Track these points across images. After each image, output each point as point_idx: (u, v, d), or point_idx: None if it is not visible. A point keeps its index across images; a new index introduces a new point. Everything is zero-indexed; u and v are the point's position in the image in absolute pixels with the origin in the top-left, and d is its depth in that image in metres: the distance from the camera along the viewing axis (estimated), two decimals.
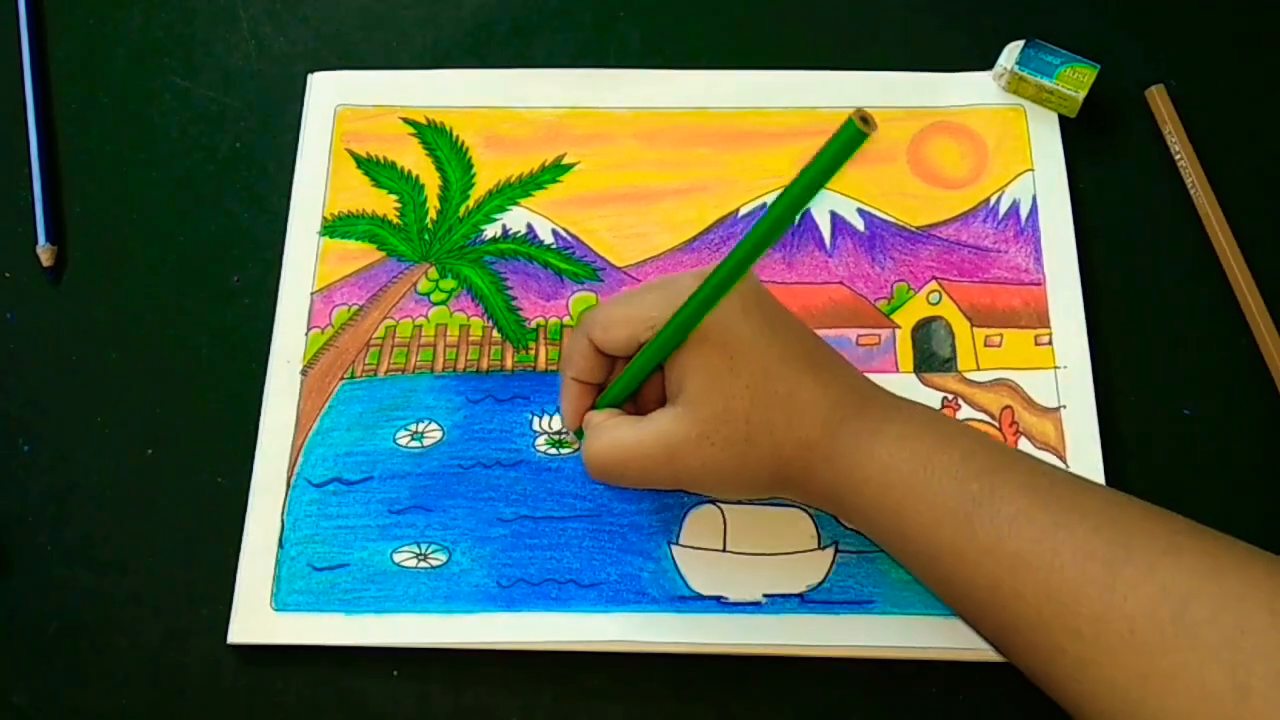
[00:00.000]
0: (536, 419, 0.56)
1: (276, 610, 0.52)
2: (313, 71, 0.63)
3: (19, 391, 0.58)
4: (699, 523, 0.53)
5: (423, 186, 0.61)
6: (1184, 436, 0.55)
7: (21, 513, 0.55)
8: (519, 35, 0.65)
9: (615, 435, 0.49)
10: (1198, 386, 0.56)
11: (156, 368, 0.58)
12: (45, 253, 0.59)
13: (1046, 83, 0.60)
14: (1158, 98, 0.61)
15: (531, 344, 0.57)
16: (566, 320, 0.58)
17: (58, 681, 0.52)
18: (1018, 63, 0.60)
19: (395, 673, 0.51)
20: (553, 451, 0.55)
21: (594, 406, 0.52)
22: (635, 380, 0.50)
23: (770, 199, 0.59)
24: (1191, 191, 0.59)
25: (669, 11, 0.65)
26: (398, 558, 0.53)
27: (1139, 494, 0.45)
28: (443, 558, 0.53)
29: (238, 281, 0.59)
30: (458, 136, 0.62)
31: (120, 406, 0.57)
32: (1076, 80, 0.60)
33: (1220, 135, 0.61)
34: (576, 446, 0.54)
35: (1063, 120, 0.61)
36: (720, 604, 0.52)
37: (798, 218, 0.43)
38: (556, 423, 0.55)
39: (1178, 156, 0.60)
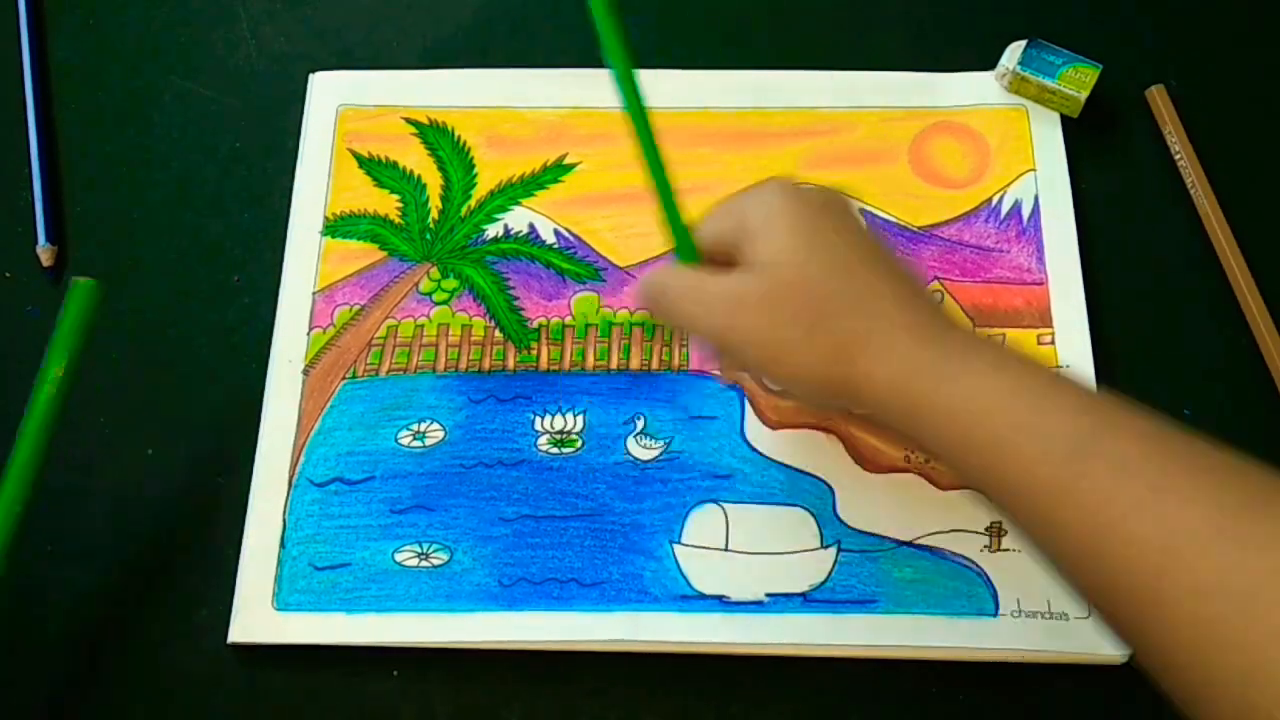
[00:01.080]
0: (538, 419, 0.56)
1: (278, 610, 0.52)
2: (313, 71, 0.63)
3: (18, 391, 0.57)
4: (701, 522, 0.53)
5: (425, 186, 0.61)
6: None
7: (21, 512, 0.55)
8: (519, 35, 0.65)
9: (681, 270, 0.47)
10: (1198, 386, 0.56)
11: (157, 368, 0.58)
12: (45, 253, 0.59)
13: (1049, 83, 0.60)
14: (1157, 97, 0.61)
15: (533, 344, 0.57)
16: (569, 320, 0.58)
17: (58, 681, 0.52)
18: (1020, 63, 0.60)
19: (395, 673, 0.51)
20: (554, 451, 0.55)
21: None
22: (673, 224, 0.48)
23: None
24: (1191, 191, 0.59)
25: (669, 11, 0.65)
26: (399, 557, 0.53)
27: None
28: (444, 557, 0.53)
29: (238, 281, 0.59)
30: (459, 136, 0.62)
31: (121, 406, 0.57)
32: (1079, 80, 0.60)
33: (1220, 135, 0.61)
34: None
35: (1064, 120, 0.61)
36: (722, 603, 0.52)
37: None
38: (559, 422, 0.55)
39: (1178, 156, 0.60)
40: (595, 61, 0.63)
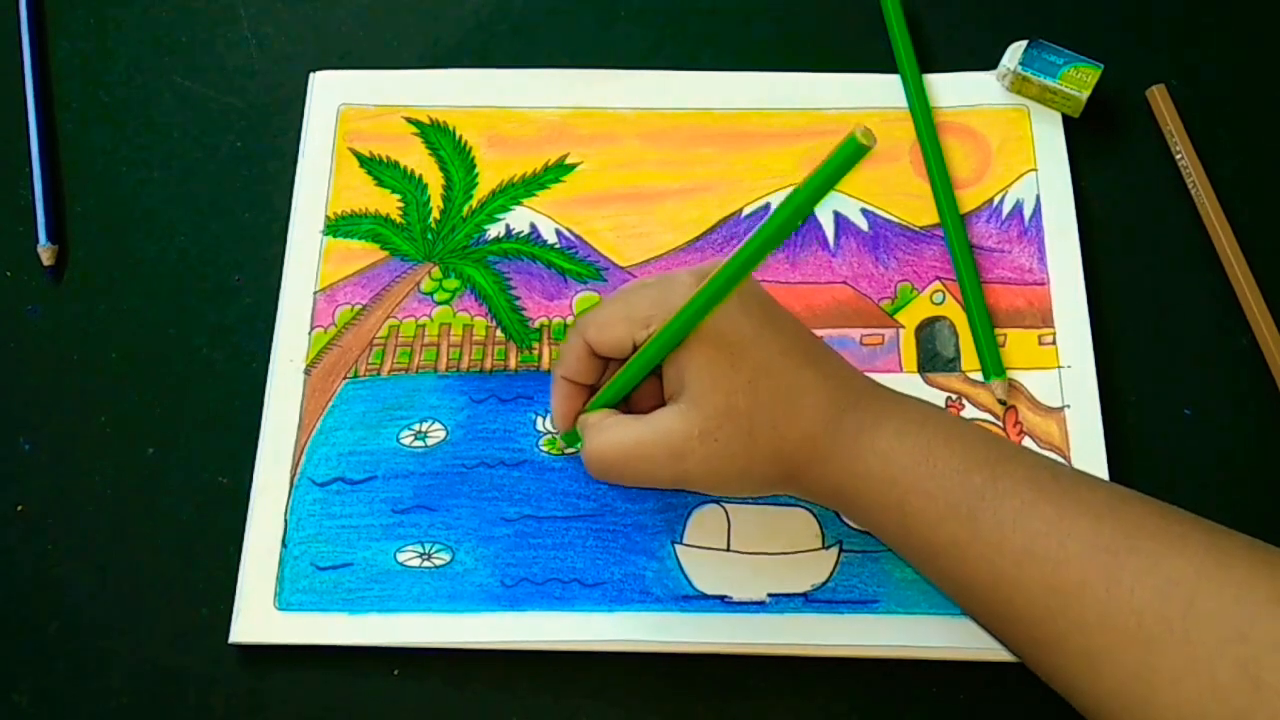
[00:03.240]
0: (540, 419, 0.55)
1: (280, 610, 0.52)
2: (314, 70, 0.63)
3: (20, 390, 0.57)
4: (703, 522, 0.53)
5: (426, 186, 0.61)
6: (1186, 436, 0.55)
7: (21, 510, 0.55)
8: (519, 35, 0.65)
9: (616, 434, 0.48)
10: (1200, 386, 0.56)
11: (158, 367, 0.57)
12: (46, 252, 0.59)
13: (1050, 83, 0.60)
14: (1158, 97, 0.61)
15: (535, 344, 0.57)
16: (570, 320, 0.58)
17: (59, 680, 0.52)
18: (1021, 63, 0.60)
19: (396, 672, 0.51)
20: (556, 451, 0.55)
21: (585, 408, 0.51)
22: (632, 381, 0.49)
23: (775, 199, 0.59)
24: (1192, 191, 0.59)
25: (670, 12, 0.65)
26: (401, 557, 0.53)
27: (1143, 493, 0.45)
28: (446, 557, 0.53)
29: (239, 281, 0.59)
30: (461, 136, 0.62)
31: (121, 405, 0.57)
32: (1080, 80, 0.60)
33: (1220, 135, 0.61)
34: (563, 448, 0.54)
35: (1066, 120, 0.61)
36: (724, 603, 0.51)
37: (799, 224, 0.43)
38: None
39: (1179, 156, 0.60)
40: (595, 61, 0.64)
